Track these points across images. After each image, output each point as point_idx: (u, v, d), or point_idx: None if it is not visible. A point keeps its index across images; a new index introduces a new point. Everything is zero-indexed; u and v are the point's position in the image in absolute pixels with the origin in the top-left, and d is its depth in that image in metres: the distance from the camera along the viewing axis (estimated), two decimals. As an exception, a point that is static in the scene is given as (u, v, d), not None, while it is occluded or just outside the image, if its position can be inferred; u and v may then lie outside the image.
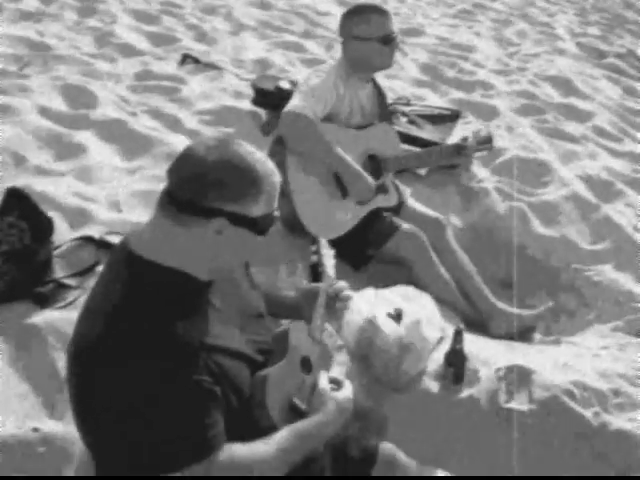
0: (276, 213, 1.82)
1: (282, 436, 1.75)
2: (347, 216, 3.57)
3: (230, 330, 1.85)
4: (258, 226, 1.75)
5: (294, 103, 3.39)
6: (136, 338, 1.61)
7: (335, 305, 2.18)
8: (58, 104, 5.14)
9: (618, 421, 2.86)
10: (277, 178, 1.80)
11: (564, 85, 7.16)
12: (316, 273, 2.21)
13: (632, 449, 2.78)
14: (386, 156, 3.72)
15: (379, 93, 3.89)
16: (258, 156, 1.76)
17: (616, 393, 3.00)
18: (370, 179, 3.52)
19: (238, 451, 1.68)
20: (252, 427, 1.79)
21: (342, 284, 2.20)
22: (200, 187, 1.67)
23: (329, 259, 2.23)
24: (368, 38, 3.56)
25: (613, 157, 5.58)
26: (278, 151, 3.53)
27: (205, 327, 1.74)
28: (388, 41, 3.57)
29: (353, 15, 3.61)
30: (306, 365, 1.99)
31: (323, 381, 1.92)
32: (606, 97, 7.07)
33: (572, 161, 5.29)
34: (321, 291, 2.14)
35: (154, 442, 1.58)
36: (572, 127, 6.00)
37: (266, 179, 1.74)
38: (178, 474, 1.58)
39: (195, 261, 1.74)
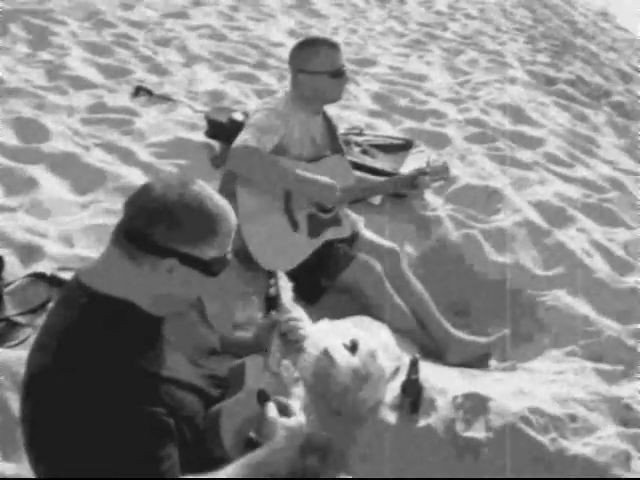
0: (229, 256, 1.83)
1: (233, 468, 1.74)
2: (299, 249, 3.56)
3: (184, 364, 1.85)
4: (210, 269, 1.76)
5: (242, 137, 3.37)
6: (88, 370, 1.60)
7: (289, 345, 2.17)
8: (9, 138, 5.08)
9: (575, 446, 2.88)
10: (233, 223, 1.81)
11: (515, 113, 7.25)
12: (271, 306, 2.21)
13: (589, 473, 2.80)
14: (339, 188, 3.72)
15: (329, 125, 3.89)
16: (216, 200, 1.77)
17: (572, 418, 3.03)
18: (330, 181, 3.50)
19: None
20: (207, 460, 1.77)
21: (298, 316, 2.19)
22: (155, 226, 1.67)
23: (287, 292, 2.23)
24: (318, 72, 3.56)
25: (564, 183, 5.66)
26: (228, 185, 3.52)
27: (159, 359, 1.73)
28: (338, 75, 3.58)
29: (302, 48, 3.61)
30: (262, 398, 1.98)
31: (271, 410, 1.91)
32: (556, 124, 7.18)
33: (524, 188, 5.36)
34: (277, 323, 2.13)
35: (108, 475, 1.57)
36: (523, 154, 6.08)
37: (223, 223, 1.75)
38: None
39: (145, 296, 1.75)
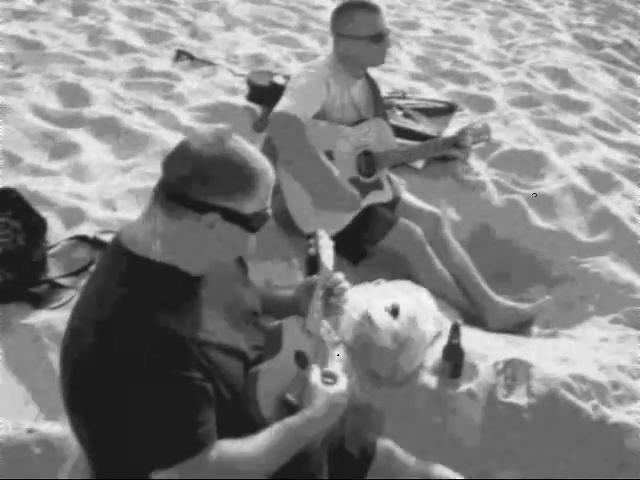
0: (269, 211, 1.82)
1: (272, 432, 1.74)
2: (341, 214, 3.54)
3: (223, 326, 1.84)
4: (250, 223, 1.76)
5: (283, 103, 3.34)
6: (127, 335, 1.60)
7: (330, 300, 2.16)
8: (52, 103, 5.12)
9: (617, 414, 2.84)
10: (272, 176, 1.81)
11: (560, 76, 7.13)
12: (313, 266, 2.18)
13: (633, 442, 2.76)
14: (381, 151, 3.70)
15: (373, 88, 3.84)
16: (254, 153, 1.76)
17: (615, 386, 2.99)
18: (354, 191, 3.47)
19: (228, 448, 1.67)
20: (246, 423, 1.77)
21: (338, 276, 2.18)
22: (194, 181, 1.68)
23: (327, 250, 2.19)
24: (358, 37, 3.48)
25: (610, 148, 5.56)
26: (270, 149, 3.50)
27: (197, 322, 1.73)
28: (378, 39, 3.50)
29: (342, 12, 3.53)
30: (301, 359, 1.97)
31: (314, 375, 1.91)
32: (603, 88, 7.04)
33: (569, 153, 5.28)
34: (317, 283, 2.10)
35: (145, 438, 1.58)
36: (569, 118, 5.98)
37: (261, 176, 1.75)
38: (170, 470, 1.58)
39: (185, 255, 1.75)
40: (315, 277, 2.14)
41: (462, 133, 3.74)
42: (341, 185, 3.42)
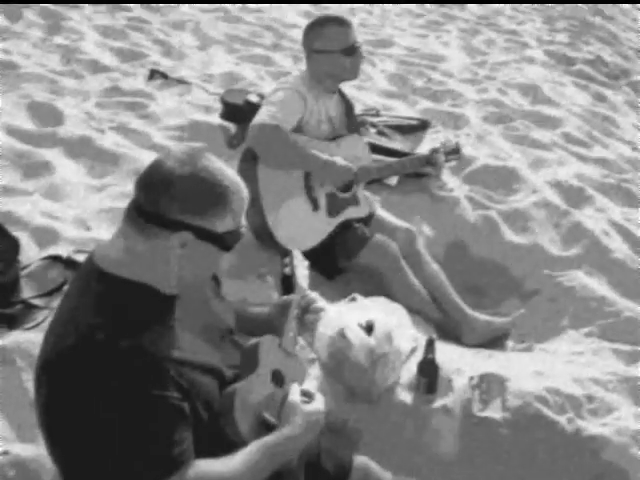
0: (243, 230, 1.81)
1: (249, 451, 1.74)
2: (319, 228, 3.56)
3: (199, 344, 1.84)
4: (223, 242, 1.75)
5: (262, 114, 3.37)
6: (102, 355, 1.59)
7: (306, 318, 2.17)
8: (25, 122, 5.10)
9: (592, 426, 2.86)
10: (245, 195, 1.80)
11: (533, 92, 7.19)
12: (287, 285, 2.20)
13: (608, 454, 2.78)
14: (357, 167, 3.71)
15: (346, 104, 3.88)
16: (227, 172, 1.76)
17: (590, 398, 3.00)
18: (345, 162, 3.54)
19: (205, 468, 1.66)
20: (222, 442, 1.77)
21: (314, 295, 2.19)
22: (167, 200, 1.67)
23: (302, 270, 2.21)
24: (330, 50, 3.54)
25: (582, 163, 5.60)
26: (248, 163, 3.51)
27: (173, 341, 1.72)
28: (351, 52, 3.56)
29: (313, 28, 3.60)
30: (277, 378, 1.97)
31: (294, 394, 1.91)
32: (575, 104, 7.10)
33: (542, 168, 5.31)
34: (293, 303, 2.12)
35: (121, 459, 1.57)
36: (541, 134, 6.02)
37: (234, 195, 1.75)
38: None
39: (158, 273, 1.74)
40: (291, 297, 2.15)
41: (435, 151, 3.83)
42: (333, 162, 3.52)
